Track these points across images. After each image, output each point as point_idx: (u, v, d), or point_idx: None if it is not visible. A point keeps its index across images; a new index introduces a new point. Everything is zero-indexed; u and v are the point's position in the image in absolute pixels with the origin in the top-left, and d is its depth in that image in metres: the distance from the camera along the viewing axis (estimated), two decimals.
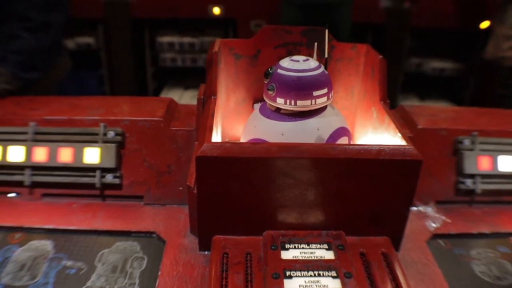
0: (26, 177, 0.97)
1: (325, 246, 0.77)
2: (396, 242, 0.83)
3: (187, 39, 2.90)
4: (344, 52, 1.01)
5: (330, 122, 0.87)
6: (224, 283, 0.71)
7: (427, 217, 0.95)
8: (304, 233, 0.79)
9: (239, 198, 0.77)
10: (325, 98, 0.86)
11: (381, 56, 0.93)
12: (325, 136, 0.85)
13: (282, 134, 0.85)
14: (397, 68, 2.98)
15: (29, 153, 0.97)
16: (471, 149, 0.99)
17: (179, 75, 3.19)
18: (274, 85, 0.85)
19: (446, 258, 0.87)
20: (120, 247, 0.85)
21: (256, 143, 0.78)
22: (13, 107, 1.04)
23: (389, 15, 2.89)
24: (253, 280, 0.71)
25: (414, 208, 0.97)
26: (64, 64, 1.56)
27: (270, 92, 0.86)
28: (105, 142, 0.95)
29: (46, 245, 0.86)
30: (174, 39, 2.90)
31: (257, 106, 0.93)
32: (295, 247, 0.77)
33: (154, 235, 0.88)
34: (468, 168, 0.99)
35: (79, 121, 0.97)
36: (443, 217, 0.95)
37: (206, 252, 0.82)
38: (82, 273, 0.80)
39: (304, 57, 0.87)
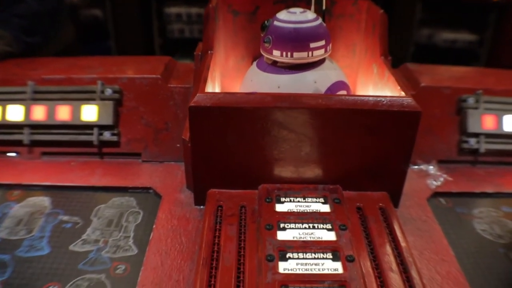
0: (25, 136, 0.96)
1: (321, 200, 0.76)
2: (395, 198, 0.81)
3: (194, 10, 2.86)
4: (345, 9, 0.99)
5: (328, 75, 0.86)
6: (217, 234, 0.70)
7: (428, 176, 0.93)
8: (300, 187, 0.78)
9: (234, 151, 0.76)
10: (322, 51, 0.84)
11: (382, 11, 0.91)
12: (323, 89, 0.84)
13: (279, 87, 0.84)
14: (407, 39, 2.93)
15: (28, 112, 0.96)
16: (476, 108, 0.97)
17: (187, 46, 3.17)
18: (270, 38, 0.84)
19: (447, 216, 0.85)
20: (117, 202, 0.85)
21: (250, 92, 0.77)
22: (13, 68, 1.04)
23: None
24: (246, 231, 0.71)
25: (415, 167, 0.96)
26: (68, 33, 1.56)
27: (266, 45, 0.85)
28: (102, 99, 0.95)
29: (43, 201, 0.86)
30: (182, 9, 2.86)
31: (256, 61, 0.92)
32: (290, 201, 0.76)
33: (150, 191, 0.87)
34: (472, 127, 0.97)
35: (77, 80, 0.96)
36: (445, 176, 0.93)
37: (201, 207, 0.81)
38: (77, 227, 0.80)
39: (301, 9, 0.85)
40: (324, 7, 0.89)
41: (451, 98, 0.98)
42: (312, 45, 0.83)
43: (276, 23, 0.84)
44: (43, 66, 1.03)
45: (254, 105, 0.72)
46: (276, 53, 0.84)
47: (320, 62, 0.86)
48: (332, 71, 0.87)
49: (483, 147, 0.97)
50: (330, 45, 0.86)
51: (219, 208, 0.75)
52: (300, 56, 0.83)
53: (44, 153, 0.98)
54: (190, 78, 0.96)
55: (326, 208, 0.74)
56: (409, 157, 0.78)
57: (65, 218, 0.82)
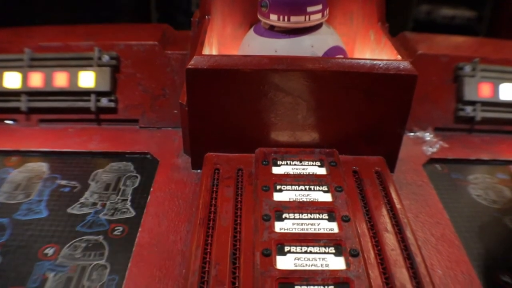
0: (23, 103, 0.97)
1: (318, 163, 0.77)
2: (391, 162, 0.82)
3: None
4: None
5: (325, 39, 0.86)
6: (214, 196, 0.71)
7: (424, 142, 0.94)
8: (297, 151, 0.79)
9: (231, 114, 0.77)
10: (319, 15, 0.84)
11: None
12: (320, 53, 0.84)
13: (276, 51, 0.83)
14: (406, 15, 2.91)
15: (25, 79, 0.96)
16: (472, 76, 0.97)
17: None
18: (267, 2, 0.83)
19: (442, 181, 0.86)
20: (114, 167, 0.86)
21: (247, 55, 0.77)
22: (10, 35, 1.03)
23: None
24: (243, 193, 0.71)
25: (412, 134, 0.96)
26: None
27: (263, 9, 0.84)
28: (100, 66, 0.95)
29: (41, 166, 0.87)
30: None
31: (253, 27, 0.92)
32: (287, 164, 0.76)
33: (148, 156, 0.88)
34: (468, 95, 0.97)
35: (74, 47, 0.96)
36: (441, 143, 0.94)
37: (198, 171, 0.82)
38: (75, 191, 0.80)
39: None
40: None
41: (448, 66, 0.98)
42: (309, 9, 0.82)
43: None
44: (39, 34, 1.03)
45: (251, 67, 0.72)
46: (273, 17, 0.83)
47: (317, 26, 0.86)
48: (329, 36, 0.87)
49: (479, 115, 0.97)
50: (327, 9, 0.86)
51: (216, 171, 0.76)
52: (297, 20, 0.83)
53: (42, 120, 0.98)
54: (188, 45, 0.96)
55: (322, 171, 0.75)
56: (405, 121, 0.78)
57: (63, 182, 0.82)
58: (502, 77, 0.99)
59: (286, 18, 0.82)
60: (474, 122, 0.98)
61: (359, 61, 0.74)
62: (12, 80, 0.97)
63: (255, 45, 0.87)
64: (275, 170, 0.75)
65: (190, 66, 0.72)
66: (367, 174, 0.77)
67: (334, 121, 0.78)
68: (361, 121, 0.78)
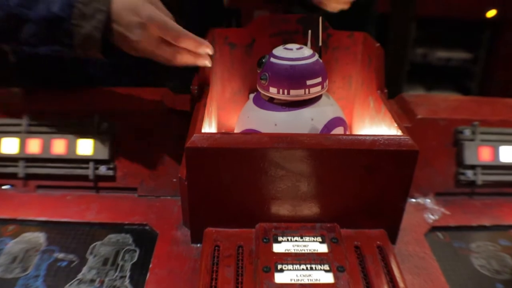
0: (20, 169, 0.96)
1: (319, 239, 0.76)
2: (393, 234, 0.81)
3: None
4: (341, 41, 0.99)
5: (325, 112, 0.86)
6: (214, 276, 0.70)
7: (425, 209, 0.93)
8: (298, 226, 0.78)
9: (231, 190, 0.76)
10: (319, 88, 0.85)
11: (378, 44, 0.91)
12: (319, 126, 0.84)
13: (275, 125, 0.84)
14: (402, 58, 2.94)
15: (23, 145, 0.96)
16: (472, 139, 0.97)
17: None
18: (267, 74, 0.84)
19: (445, 251, 0.85)
20: (113, 239, 0.85)
21: (247, 133, 0.77)
22: (9, 98, 1.03)
23: (393, 4, 2.86)
24: (243, 273, 0.70)
25: (413, 200, 0.95)
26: None
27: (263, 82, 0.85)
28: (98, 133, 0.94)
29: (38, 237, 0.85)
30: None
31: (252, 96, 0.92)
32: (287, 240, 0.75)
33: (147, 227, 0.87)
34: (469, 159, 0.97)
35: (73, 112, 0.96)
36: (442, 209, 0.93)
37: (198, 245, 0.81)
38: (73, 266, 0.79)
39: (298, 46, 0.86)
40: (320, 43, 0.89)
41: (448, 129, 0.98)
42: (309, 82, 0.83)
43: (272, 59, 0.85)
44: (39, 98, 1.03)
45: (251, 146, 0.72)
46: (273, 90, 0.84)
47: (317, 98, 0.87)
48: (328, 107, 0.87)
49: (480, 178, 0.97)
50: (327, 81, 0.86)
51: (216, 248, 0.75)
52: (296, 94, 0.83)
53: (39, 186, 0.97)
54: (187, 110, 0.95)
55: (323, 248, 0.74)
56: (406, 195, 0.78)
57: (61, 255, 0.81)
58: (501, 139, 0.99)
59: (285, 91, 0.83)
60: (475, 185, 0.98)
61: (359, 137, 0.74)
62: (10, 145, 0.96)
63: (255, 117, 0.87)
64: (276, 247, 0.74)
65: (189, 145, 0.71)
66: (369, 249, 0.76)
67: (335, 195, 0.77)
68: (362, 195, 0.77)
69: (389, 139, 0.74)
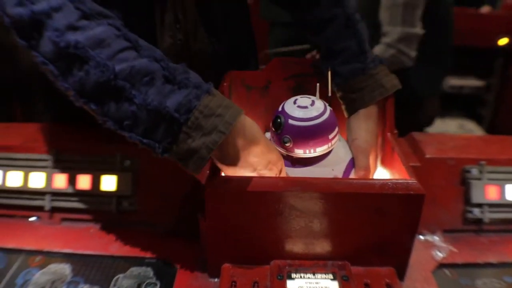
0: (46, 202, 1.01)
1: (330, 276, 0.80)
2: (401, 272, 0.85)
3: None
4: None
5: (341, 157, 0.90)
6: None
7: (433, 247, 0.97)
8: (310, 263, 0.82)
9: (248, 229, 0.80)
10: (337, 137, 0.89)
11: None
12: (340, 174, 0.89)
13: None
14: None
15: (49, 179, 1.01)
16: (479, 179, 1.01)
17: None
18: (289, 138, 0.86)
19: None
20: (135, 272, 0.89)
21: (263, 177, 0.81)
22: (36, 133, 1.08)
23: None
24: None
25: (421, 237, 0.99)
26: None
27: (287, 145, 0.86)
28: (121, 170, 0.99)
29: (64, 268, 0.90)
30: None
31: (268, 136, 0.95)
32: (301, 277, 0.79)
33: (166, 262, 0.91)
34: (476, 198, 1.00)
35: (98, 150, 1.01)
36: (450, 247, 0.96)
37: (215, 280, 0.85)
38: None
39: (309, 101, 0.88)
40: (330, 93, 0.93)
41: (455, 168, 1.01)
42: (331, 135, 0.87)
43: (291, 121, 0.86)
44: (66, 134, 1.08)
45: (267, 190, 0.76)
46: (299, 151, 0.87)
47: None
48: (342, 151, 0.92)
49: (487, 216, 1.00)
50: (338, 127, 0.90)
51: (233, 283, 0.79)
52: (322, 150, 0.87)
53: (64, 219, 1.02)
54: None
55: (334, 285, 0.78)
56: (414, 235, 0.82)
57: (85, 287, 0.86)
58: (508, 178, 1.02)
59: (312, 150, 0.87)
60: (482, 223, 1.01)
61: (369, 181, 0.78)
62: (37, 179, 1.01)
63: None
64: (290, 284, 0.78)
65: (209, 188, 0.76)
66: (378, 287, 0.80)
67: (346, 235, 0.81)
68: (371, 235, 0.82)
69: (397, 183, 0.78)
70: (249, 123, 0.80)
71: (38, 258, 0.93)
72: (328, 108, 0.88)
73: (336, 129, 0.88)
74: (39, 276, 0.88)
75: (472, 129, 3.12)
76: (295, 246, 0.82)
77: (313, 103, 0.87)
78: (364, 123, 0.95)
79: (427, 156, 1.01)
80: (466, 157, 1.02)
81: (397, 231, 0.81)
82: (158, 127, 0.73)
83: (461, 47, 2.97)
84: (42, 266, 0.90)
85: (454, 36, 2.07)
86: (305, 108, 0.86)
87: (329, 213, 0.79)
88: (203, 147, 0.73)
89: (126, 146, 0.99)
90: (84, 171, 1.00)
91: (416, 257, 0.91)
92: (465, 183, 1.01)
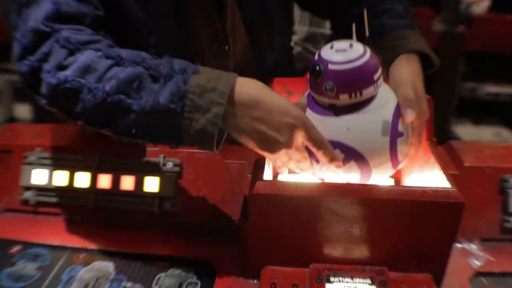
0: (91, 202, 1.04)
1: (368, 281, 0.81)
2: (438, 279, 0.86)
3: None
4: None
5: (387, 99, 0.85)
6: None
7: (470, 255, 0.97)
8: (349, 268, 0.83)
9: (288, 232, 0.83)
10: (382, 78, 0.83)
11: (429, 96, 0.96)
12: (389, 118, 0.82)
13: (348, 129, 0.81)
14: (451, 93, 2.95)
15: (94, 180, 1.04)
16: None
17: None
18: (332, 84, 0.79)
19: None
20: (176, 272, 0.91)
21: (303, 182, 0.82)
22: (82, 135, 1.12)
23: (442, 39, 2.88)
24: None
25: (459, 245, 0.99)
26: None
27: (330, 93, 0.80)
28: (164, 172, 1.02)
29: (107, 266, 0.93)
30: None
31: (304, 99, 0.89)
32: (339, 281, 0.81)
33: (207, 262, 0.93)
34: None
35: (141, 152, 1.04)
36: (487, 255, 0.97)
37: (255, 281, 0.87)
38: None
39: (346, 44, 0.82)
40: (368, 33, 0.92)
41: (494, 177, 1.01)
42: (375, 76, 0.81)
43: (332, 66, 0.79)
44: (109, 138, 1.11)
45: (309, 195, 0.78)
46: (344, 97, 0.80)
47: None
48: (387, 93, 0.86)
49: None
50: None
51: (273, 285, 0.81)
52: (368, 92, 0.81)
53: (107, 218, 1.05)
54: (246, 154, 1.02)
55: None
56: (452, 243, 0.83)
57: (128, 285, 0.88)
58: None
59: (358, 94, 0.80)
60: None
61: (409, 189, 0.80)
62: (82, 179, 1.05)
63: (322, 127, 0.81)
64: (329, 287, 0.79)
65: (253, 192, 0.78)
66: None
67: (385, 240, 0.83)
68: (410, 242, 0.83)
69: (437, 191, 0.79)
70: (246, 87, 0.77)
71: (82, 256, 0.96)
72: (368, 49, 0.82)
73: (380, 70, 0.82)
74: (84, 273, 0.91)
75: (508, 137, 3.08)
76: (334, 250, 0.84)
77: (351, 45, 0.81)
78: (406, 65, 0.92)
79: (466, 164, 1.01)
80: (504, 166, 1.02)
81: (435, 239, 0.82)
82: (162, 124, 0.77)
83: (497, 54, 2.95)
84: (86, 263, 0.94)
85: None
86: (344, 51, 0.80)
87: (369, 219, 0.80)
88: (208, 124, 0.75)
89: (168, 149, 1.02)
90: (128, 172, 1.03)
91: (453, 265, 0.92)
92: (503, 192, 1.01)
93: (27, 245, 0.99)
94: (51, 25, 0.80)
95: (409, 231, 0.82)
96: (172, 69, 0.77)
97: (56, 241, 0.99)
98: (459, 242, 1.00)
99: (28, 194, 1.08)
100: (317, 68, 0.80)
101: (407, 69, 0.91)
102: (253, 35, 1.10)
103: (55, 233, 1.02)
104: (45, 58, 0.80)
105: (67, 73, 0.79)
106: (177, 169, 1.02)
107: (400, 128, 0.84)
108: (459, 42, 2.89)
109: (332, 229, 0.81)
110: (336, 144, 0.81)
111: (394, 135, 0.82)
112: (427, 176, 0.92)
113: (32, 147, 1.10)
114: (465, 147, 1.08)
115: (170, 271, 0.92)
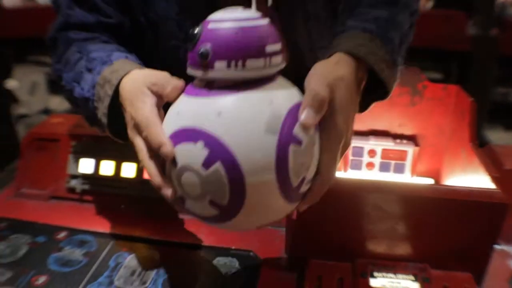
0: (136, 191, 1.07)
1: (411, 277, 0.83)
2: (479, 279, 0.87)
3: None
4: (435, 92, 1.07)
5: (288, 93, 0.62)
6: None
7: (509, 257, 0.98)
8: (392, 264, 0.85)
9: (334, 227, 0.85)
10: (280, 57, 0.62)
11: (471, 99, 0.98)
12: (283, 111, 0.59)
13: (219, 114, 0.57)
14: (483, 97, 2.93)
15: (139, 170, 1.07)
16: None
17: None
18: (207, 47, 0.58)
19: None
20: (221, 262, 0.93)
21: (350, 178, 0.84)
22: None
23: (475, 43, 2.87)
24: None
25: (498, 247, 1.00)
26: None
27: (203, 59, 0.59)
28: None
29: (153, 254, 0.96)
30: None
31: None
32: (383, 276, 0.83)
33: (251, 254, 0.95)
34: None
35: None
36: None
37: (299, 273, 0.88)
38: (186, 283, 0.89)
39: (241, 7, 0.62)
40: (270, 2, 0.76)
41: None
42: (269, 48, 0.59)
43: (212, 25, 0.59)
44: None
45: (356, 191, 0.80)
46: (220, 65, 0.58)
47: (273, 76, 0.62)
48: (290, 87, 0.64)
49: None
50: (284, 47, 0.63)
51: (318, 278, 0.83)
52: (255, 65, 0.59)
53: (152, 208, 1.07)
54: None
55: (416, 286, 0.81)
56: (494, 243, 0.84)
57: (173, 273, 0.91)
58: None
59: (240, 63, 0.58)
60: None
61: (455, 188, 0.81)
62: (128, 169, 1.08)
63: (188, 111, 0.61)
64: (373, 282, 0.82)
65: None
66: None
67: (428, 238, 0.85)
68: (452, 240, 0.84)
69: (482, 192, 0.81)
70: (131, 81, 0.72)
71: (127, 243, 0.99)
72: (269, 16, 0.62)
73: (279, 45, 0.61)
74: (130, 259, 0.94)
75: None
76: (379, 246, 0.86)
77: (246, 9, 0.62)
78: (332, 63, 0.70)
79: (506, 167, 1.02)
80: None
81: (478, 239, 0.84)
82: (87, 111, 0.84)
83: None
84: (131, 250, 0.97)
85: None
86: (234, 11, 0.61)
87: (414, 216, 0.82)
88: (102, 115, 0.78)
89: None
90: None
91: (493, 266, 0.92)
92: None
93: (73, 231, 1.03)
94: (61, 34, 0.93)
95: (452, 230, 0.83)
96: (98, 59, 0.82)
97: (101, 229, 1.03)
98: (498, 244, 1.01)
99: (74, 182, 1.12)
100: (195, 30, 0.60)
101: (330, 67, 0.69)
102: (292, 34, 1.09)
103: (100, 221, 1.05)
104: (54, 52, 0.94)
105: (57, 65, 0.92)
106: None
107: (297, 132, 0.59)
108: (493, 45, 2.87)
109: (377, 225, 0.83)
110: (198, 135, 0.57)
111: (286, 139, 0.58)
112: (469, 177, 0.94)
113: (79, 136, 1.13)
114: (505, 151, 1.09)
115: (215, 261, 0.94)
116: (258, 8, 0.63)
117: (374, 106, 0.89)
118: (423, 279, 0.82)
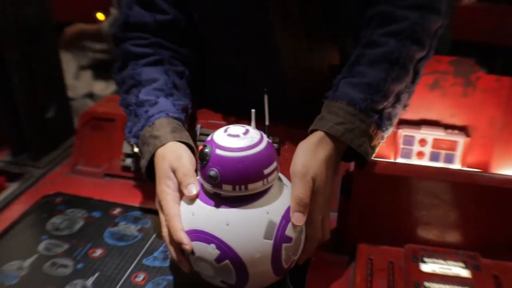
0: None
1: (462, 264, 0.84)
2: None
3: None
4: (488, 84, 1.07)
5: (280, 199, 0.75)
6: (369, 285, 0.80)
7: None
8: (443, 250, 0.87)
9: (387, 212, 0.87)
10: (275, 173, 0.75)
11: None
12: (277, 219, 0.73)
13: (227, 224, 0.71)
14: None
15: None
16: None
17: None
18: (216, 171, 0.71)
19: None
20: None
21: (407, 163, 0.86)
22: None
23: None
24: (395, 286, 0.80)
25: None
26: None
27: (212, 180, 0.71)
28: None
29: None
30: None
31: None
32: (433, 262, 0.84)
33: None
34: None
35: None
36: None
37: (349, 257, 0.91)
38: None
39: (242, 129, 0.74)
40: (267, 122, 0.83)
41: None
42: (267, 171, 0.72)
43: (219, 151, 0.71)
44: (208, 111, 1.18)
45: (413, 175, 0.82)
46: (227, 187, 0.71)
47: (268, 188, 0.75)
48: (284, 192, 0.78)
49: None
50: (278, 162, 0.76)
51: (369, 261, 0.85)
52: (254, 187, 0.72)
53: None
54: None
55: (466, 274, 0.82)
56: None
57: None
58: None
59: (243, 187, 0.71)
60: None
61: (509, 178, 0.82)
62: None
63: (202, 216, 0.74)
64: (423, 267, 0.83)
65: (358, 170, 0.83)
66: (508, 281, 0.83)
67: (478, 226, 0.86)
68: (504, 230, 0.85)
69: None
70: (161, 160, 0.86)
71: None
72: (266, 139, 0.75)
73: (274, 164, 0.74)
74: None
75: None
76: (430, 232, 0.87)
77: (246, 132, 0.73)
78: (314, 148, 0.81)
79: None
80: None
81: None
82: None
83: None
84: None
85: None
86: (237, 136, 0.72)
87: (467, 204, 0.84)
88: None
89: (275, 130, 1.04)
90: None
91: None
92: None
93: (127, 208, 1.07)
94: (123, 34, 1.04)
95: (505, 220, 0.84)
96: (146, 113, 0.94)
97: (155, 207, 1.05)
98: None
99: (129, 161, 1.15)
100: (205, 150, 0.73)
101: (312, 154, 0.80)
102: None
103: (153, 199, 1.08)
104: (117, 58, 1.06)
105: (117, 77, 1.07)
106: (275, 146, 1.06)
107: (289, 232, 0.74)
108: None
109: (431, 212, 0.85)
110: (211, 238, 0.71)
111: (280, 240, 0.72)
112: None
113: None
114: None
115: None
116: (257, 125, 0.76)
117: (427, 96, 0.90)
118: (473, 267, 0.83)
